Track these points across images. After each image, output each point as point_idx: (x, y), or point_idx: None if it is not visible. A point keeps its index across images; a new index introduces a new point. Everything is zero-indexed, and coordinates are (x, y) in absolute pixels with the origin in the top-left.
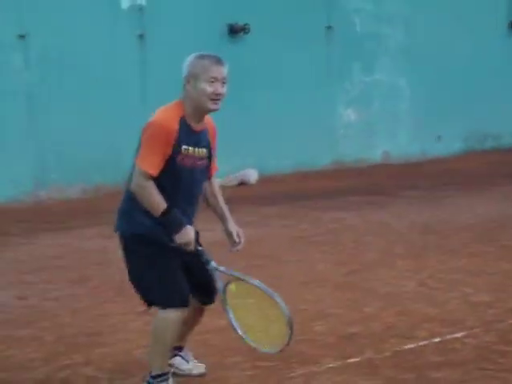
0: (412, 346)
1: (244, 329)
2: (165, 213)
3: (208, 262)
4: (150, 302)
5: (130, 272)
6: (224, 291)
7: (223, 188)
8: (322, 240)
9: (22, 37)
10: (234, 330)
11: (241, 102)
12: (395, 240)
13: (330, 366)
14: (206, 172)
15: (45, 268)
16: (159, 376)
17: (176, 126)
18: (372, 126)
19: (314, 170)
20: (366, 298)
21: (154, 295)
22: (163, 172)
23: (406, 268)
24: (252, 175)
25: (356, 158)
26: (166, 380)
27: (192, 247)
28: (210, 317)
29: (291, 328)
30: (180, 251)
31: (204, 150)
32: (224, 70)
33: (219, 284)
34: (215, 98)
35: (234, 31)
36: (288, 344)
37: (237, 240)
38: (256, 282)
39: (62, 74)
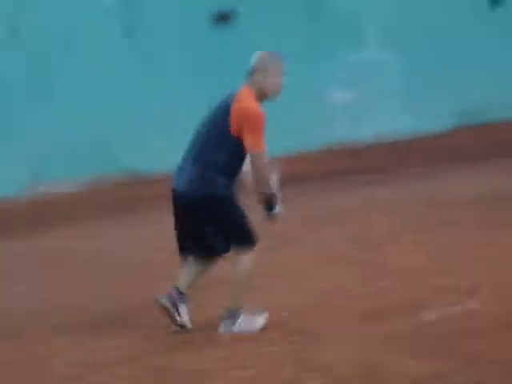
0: (431, 316)
1: None
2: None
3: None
4: (241, 246)
5: (222, 222)
6: None
7: None
8: (328, 220)
9: None
10: None
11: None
12: (400, 216)
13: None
14: None
15: None
16: (239, 309)
17: None
18: (361, 105)
19: (304, 151)
20: (380, 273)
21: (246, 240)
22: (240, 152)
23: (414, 242)
24: None
25: (348, 139)
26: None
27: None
28: None
29: None
30: None
31: None
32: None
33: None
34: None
35: (221, 18)
36: None
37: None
38: None
39: None
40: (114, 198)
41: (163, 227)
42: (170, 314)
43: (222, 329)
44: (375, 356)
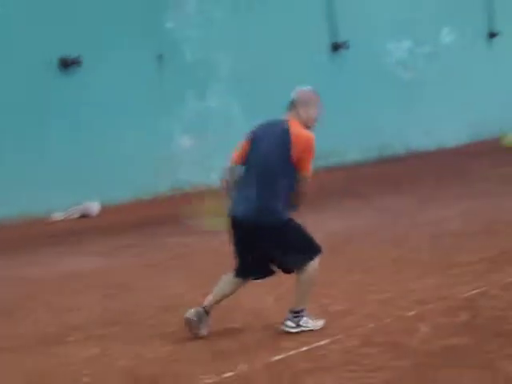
0: (282, 356)
1: None
2: None
3: None
4: (307, 260)
5: (290, 243)
6: None
7: (66, 221)
8: (174, 265)
9: None
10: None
11: (78, 135)
12: None
13: (207, 381)
14: None
15: None
16: (301, 311)
17: None
18: (208, 152)
19: (153, 197)
20: (232, 315)
21: (313, 250)
22: (295, 176)
23: (263, 284)
24: (93, 207)
25: (194, 184)
26: (305, 312)
27: None
28: None
29: None
30: None
31: None
32: None
33: None
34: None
35: (66, 64)
36: None
37: None
38: None
39: None
40: None
41: None
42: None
43: (286, 327)
44: None
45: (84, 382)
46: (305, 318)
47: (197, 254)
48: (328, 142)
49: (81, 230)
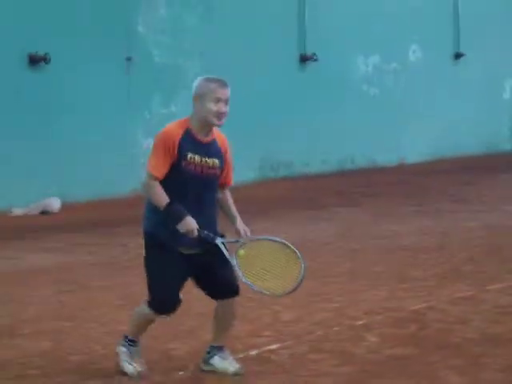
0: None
1: (260, 283)
2: (167, 206)
3: (214, 239)
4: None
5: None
6: (236, 259)
7: (26, 217)
8: (132, 265)
9: None
10: (251, 288)
11: (43, 132)
12: None
13: (157, 380)
14: (217, 181)
15: None
16: (130, 340)
17: (178, 136)
18: None
19: (115, 197)
20: (181, 317)
21: (149, 290)
22: (171, 176)
23: None
24: (54, 203)
25: None
26: (133, 346)
27: (194, 234)
28: None
29: (303, 263)
30: (187, 255)
31: (215, 161)
32: (227, 92)
33: (229, 255)
34: (219, 115)
35: (35, 61)
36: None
37: (243, 234)
38: (260, 236)
39: None
40: None
41: None
42: None
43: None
44: None
45: (31, 375)
46: (124, 350)
47: None
48: (292, 152)
49: (40, 226)
